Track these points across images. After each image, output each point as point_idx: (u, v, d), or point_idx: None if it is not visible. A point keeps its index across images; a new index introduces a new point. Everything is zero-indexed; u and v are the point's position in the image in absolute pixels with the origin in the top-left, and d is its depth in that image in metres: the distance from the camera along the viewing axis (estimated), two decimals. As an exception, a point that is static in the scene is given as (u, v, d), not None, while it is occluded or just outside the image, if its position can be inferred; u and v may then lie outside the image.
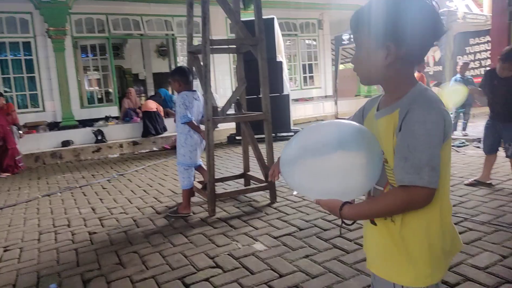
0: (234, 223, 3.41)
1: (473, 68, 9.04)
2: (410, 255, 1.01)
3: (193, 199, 3.95)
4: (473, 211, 3.25)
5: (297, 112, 11.70)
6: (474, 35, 10.22)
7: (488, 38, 9.56)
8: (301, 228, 3.19)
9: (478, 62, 9.30)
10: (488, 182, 3.96)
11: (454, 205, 3.41)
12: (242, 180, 4.63)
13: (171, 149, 8.08)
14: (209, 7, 3.52)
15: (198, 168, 3.87)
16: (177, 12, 9.97)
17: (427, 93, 1.00)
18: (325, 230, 3.10)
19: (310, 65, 13.89)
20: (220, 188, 4.53)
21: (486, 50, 9.93)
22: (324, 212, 3.50)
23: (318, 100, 13.17)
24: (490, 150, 3.96)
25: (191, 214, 3.69)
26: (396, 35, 0.97)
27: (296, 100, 12.95)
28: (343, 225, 1.06)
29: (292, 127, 8.90)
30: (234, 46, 4.21)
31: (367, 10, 1.01)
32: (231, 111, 4.21)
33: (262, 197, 4.13)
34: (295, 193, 4.22)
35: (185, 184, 3.70)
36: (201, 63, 3.67)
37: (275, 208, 3.75)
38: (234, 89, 5.27)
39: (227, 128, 8.91)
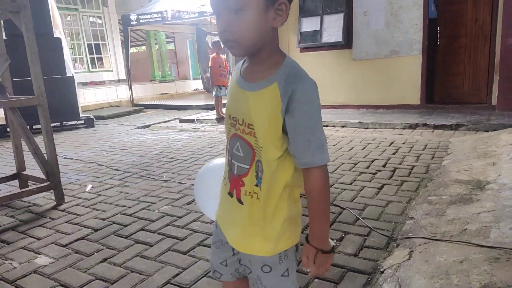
0: (7, 237, 2.71)
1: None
2: (276, 226, 1.03)
3: None
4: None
5: (86, 97, 10.56)
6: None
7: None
8: (97, 228, 2.80)
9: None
10: None
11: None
12: (16, 182, 3.78)
13: None
14: None
15: None
16: None
17: (299, 66, 0.97)
18: (125, 226, 2.81)
19: (98, 46, 12.72)
20: (-16, 196, 3.57)
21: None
22: (123, 205, 3.20)
23: (111, 84, 12.24)
24: None
25: None
26: None
27: (85, 83, 11.70)
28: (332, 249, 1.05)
29: (81, 114, 7.94)
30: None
31: None
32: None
33: (45, 199, 3.46)
34: (88, 189, 3.72)
35: None
36: None
37: (63, 211, 3.19)
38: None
39: (-7, 118, 7.21)
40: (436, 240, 2.10)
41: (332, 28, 7.44)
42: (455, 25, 6.73)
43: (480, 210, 2.38)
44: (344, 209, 2.81)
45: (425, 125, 5.66)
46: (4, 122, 7.19)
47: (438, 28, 6.98)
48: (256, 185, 1.02)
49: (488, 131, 5.01)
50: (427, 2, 6.60)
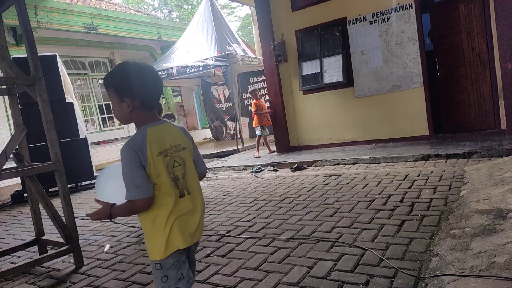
0: (28, 307, 2.69)
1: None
2: (150, 238, 1.53)
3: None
4: (278, 230, 3.52)
5: (99, 156, 10.78)
6: (253, 75, 12.61)
7: (263, 77, 11.23)
8: (118, 289, 2.77)
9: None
10: None
11: (261, 228, 3.64)
12: (36, 248, 3.79)
13: None
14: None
15: None
16: None
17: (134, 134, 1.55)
18: (145, 285, 2.78)
19: (108, 106, 13.16)
20: (4, 264, 3.58)
21: (263, 88, 11.88)
22: (142, 264, 3.17)
23: (123, 141, 12.51)
24: None
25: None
26: (130, 93, 1.49)
27: (97, 143, 11.98)
28: (113, 220, 1.54)
29: (95, 174, 8.05)
30: (4, 87, 3.48)
31: (110, 75, 1.53)
32: (10, 164, 3.42)
33: (64, 263, 3.46)
34: (106, 249, 3.71)
35: None
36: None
37: (83, 273, 3.17)
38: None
39: (8, 184, 7.35)
40: (465, 276, 2.04)
41: (332, 69, 7.65)
42: (452, 55, 6.88)
43: (506, 240, 2.32)
44: (366, 250, 2.75)
45: (437, 155, 5.63)
46: (19, 188, 7.33)
47: (436, 60, 7.13)
48: None
49: (502, 157, 4.96)
50: (422, 36, 6.81)
